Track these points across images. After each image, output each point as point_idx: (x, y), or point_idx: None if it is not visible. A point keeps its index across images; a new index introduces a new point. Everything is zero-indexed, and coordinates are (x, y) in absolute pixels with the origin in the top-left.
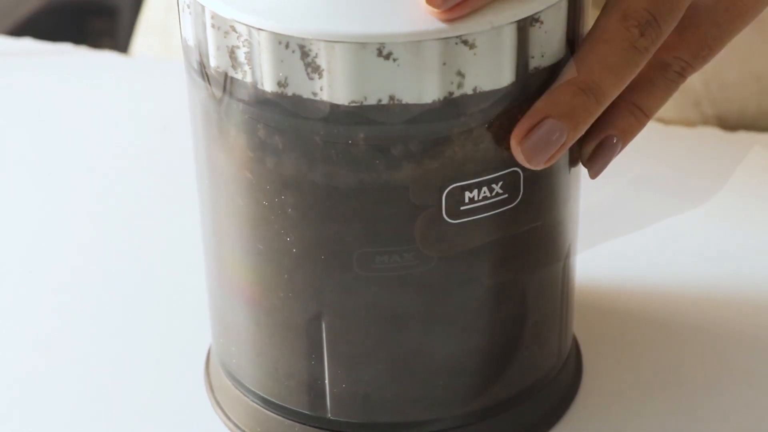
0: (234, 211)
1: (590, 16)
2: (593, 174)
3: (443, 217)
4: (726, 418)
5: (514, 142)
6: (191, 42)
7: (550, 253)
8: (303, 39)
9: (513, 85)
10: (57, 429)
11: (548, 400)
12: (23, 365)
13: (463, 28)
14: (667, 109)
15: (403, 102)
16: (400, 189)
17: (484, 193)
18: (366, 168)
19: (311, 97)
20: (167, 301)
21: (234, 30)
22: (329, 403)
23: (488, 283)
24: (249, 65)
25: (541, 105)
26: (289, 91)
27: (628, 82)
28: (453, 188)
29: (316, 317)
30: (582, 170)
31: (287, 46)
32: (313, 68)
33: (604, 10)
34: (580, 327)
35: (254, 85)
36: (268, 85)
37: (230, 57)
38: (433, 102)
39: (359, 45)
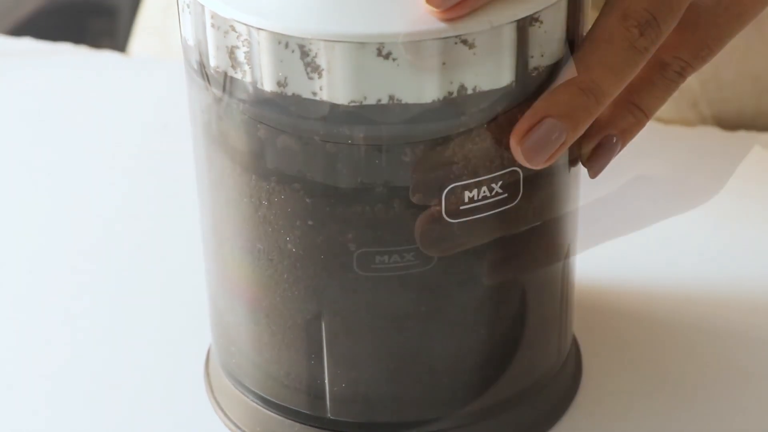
0: (234, 211)
1: (590, 17)
2: (593, 174)
3: (443, 217)
4: (726, 418)
5: (513, 142)
6: (191, 42)
7: (550, 253)
8: (303, 39)
9: (512, 84)
10: (57, 429)
11: (548, 400)
12: (23, 365)
13: (463, 27)
14: (665, 109)
15: (403, 102)
16: (400, 189)
17: (484, 192)
18: (366, 168)
19: (311, 96)
20: (167, 302)
21: (233, 30)
22: (329, 403)
23: (488, 283)
24: (249, 65)
25: (540, 105)
26: (289, 91)
27: (627, 82)
28: (453, 188)
29: (316, 317)
30: (582, 170)
31: (287, 45)
32: (312, 68)
33: (604, 10)
34: (580, 327)
35: (254, 84)
36: (268, 85)
37: (230, 57)
38: (433, 102)
39: (359, 45)
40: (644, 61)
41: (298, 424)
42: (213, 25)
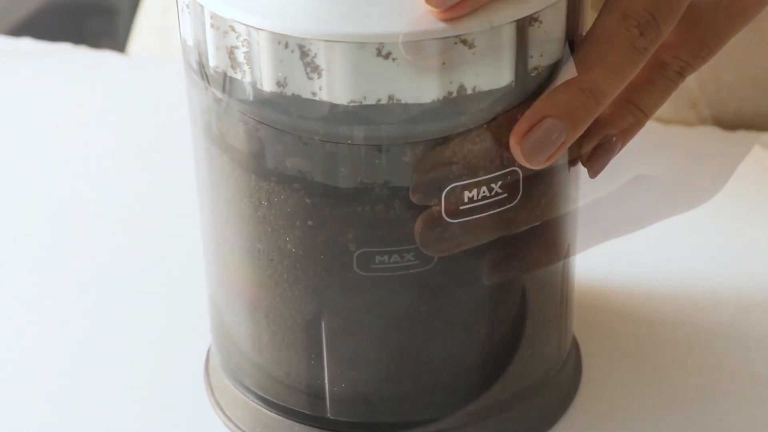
0: (234, 211)
1: (589, 17)
2: (593, 173)
3: (443, 217)
4: (726, 418)
5: (513, 142)
6: (190, 42)
7: (550, 253)
8: (302, 39)
9: (512, 84)
10: (57, 429)
11: (548, 400)
12: (23, 365)
13: (463, 27)
14: (664, 110)
15: (403, 102)
16: (400, 189)
17: (484, 192)
18: (366, 168)
19: (311, 97)
20: (167, 301)
21: (233, 30)
22: (329, 403)
23: (488, 283)
24: (248, 65)
25: (540, 105)
26: (289, 91)
27: (627, 82)
28: (453, 188)
29: (316, 317)
30: (582, 170)
31: (286, 45)
32: (312, 68)
33: (604, 10)
34: (580, 327)
35: (253, 85)
36: (268, 85)
37: (229, 57)
38: (433, 102)
39: (358, 45)
40: (644, 61)
41: (298, 424)
42: (212, 26)
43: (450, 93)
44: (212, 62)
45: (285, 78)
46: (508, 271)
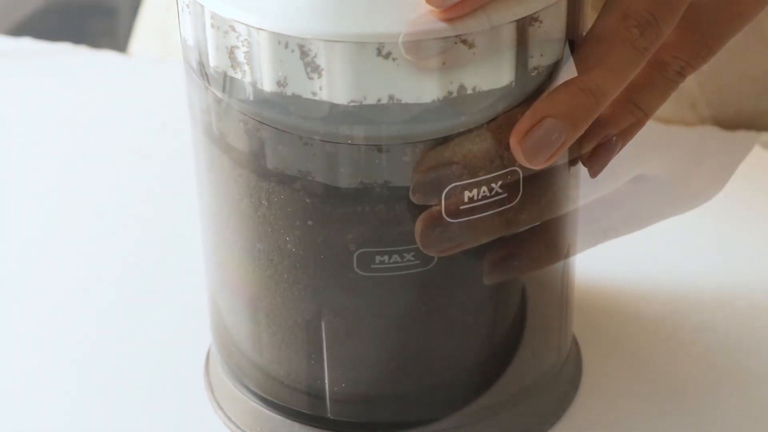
0: (234, 210)
1: (589, 17)
2: (593, 173)
3: (443, 217)
4: (726, 418)
5: (513, 142)
6: (190, 42)
7: (549, 253)
8: (302, 39)
9: (512, 84)
10: (57, 429)
11: (548, 399)
12: (23, 365)
13: (463, 27)
14: (664, 110)
15: (403, 102)
16: (400, 189)
17: (484, 192)
18: (366, 168)
19: (311, 96)
20: (167, 301)
21: (233, 30)
22: (329, 403)
23: (488, 283)
24: (248, 65)
25: (540, 105)
26: (289, 91)
27: (627, 82)
28: (453, 188)
29: (316, 317)
30: (582, 170)
31: (286, 45)
32: (312, 68)
33: (604, 10)
34: (580, 327)
35: (254, 84)
36: (268, 85)
37: (229, 57)
38: (433, 102)
39: (358, 45)
40: (644, 61)
41: (298, 424)
42: (213, 25)
43: (450, 93)
44: (212, 62)
45: (285, 78)
46: (508, 271)
